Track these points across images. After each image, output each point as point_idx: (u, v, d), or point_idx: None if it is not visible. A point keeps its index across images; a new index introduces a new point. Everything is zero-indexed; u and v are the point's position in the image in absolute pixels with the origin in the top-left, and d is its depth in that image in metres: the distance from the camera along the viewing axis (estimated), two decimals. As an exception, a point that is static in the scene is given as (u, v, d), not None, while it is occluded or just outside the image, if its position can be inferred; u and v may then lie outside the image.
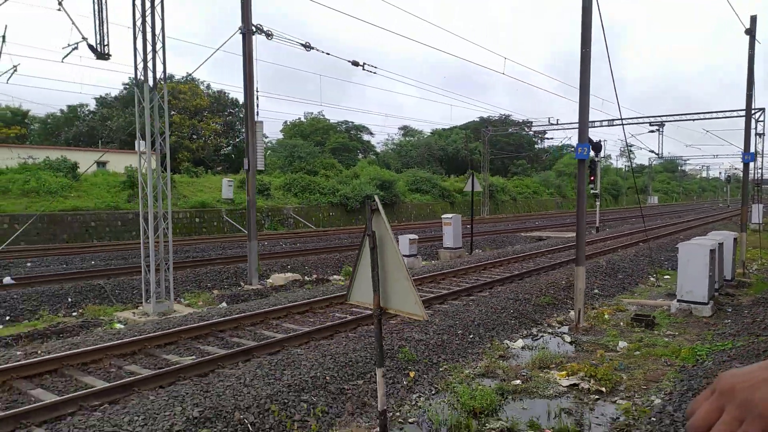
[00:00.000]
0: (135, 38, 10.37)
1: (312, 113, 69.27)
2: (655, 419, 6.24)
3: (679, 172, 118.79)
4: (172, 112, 53.39)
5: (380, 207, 3.53)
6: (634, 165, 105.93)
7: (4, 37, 16.07)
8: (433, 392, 7.40)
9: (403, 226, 34.97)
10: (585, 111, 10.18)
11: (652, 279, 16.26)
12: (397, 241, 16.58)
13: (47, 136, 55.59)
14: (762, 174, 36.69)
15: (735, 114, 29.30)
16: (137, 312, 10.96)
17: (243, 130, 59.28)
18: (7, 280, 13.23)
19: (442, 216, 20.30)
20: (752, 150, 17.39)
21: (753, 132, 25.38)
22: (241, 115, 57.29)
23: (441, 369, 8.16)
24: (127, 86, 52.84)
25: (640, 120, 35.27)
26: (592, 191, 26.05)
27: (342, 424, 6.23)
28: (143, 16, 10.19)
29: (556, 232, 29.70)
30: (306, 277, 15.51)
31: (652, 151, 39.22)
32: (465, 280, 14.17)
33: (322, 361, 7.30)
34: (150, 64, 10.63)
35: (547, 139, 66.78)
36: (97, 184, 30.66)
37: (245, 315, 9.50)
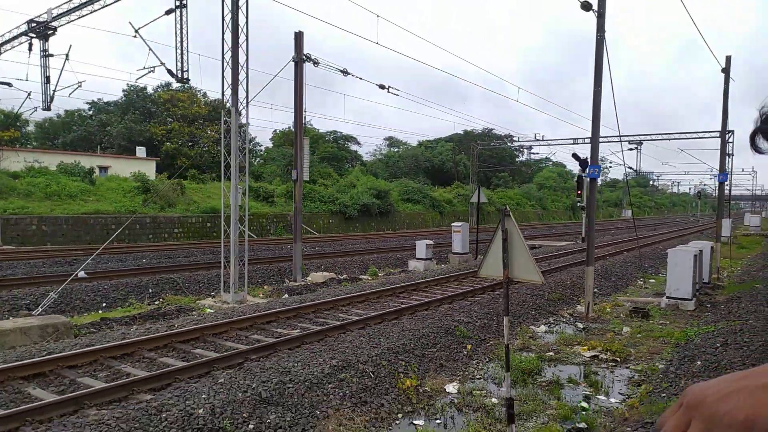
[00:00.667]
0: (223, 69, 12.29)
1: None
2: (662, 375, 8.40)
3: (651, 187, 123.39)
4: (170, 120, 54.76)
5: (510, 213, 5.56)
6: (607, 180, 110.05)
7: (67, 55, 17.80)
8: (486, 360, 9.46)
9: (399, 235, 37.08)
10: (596, 138, 12.42)
11: (639, 282, 18.62)
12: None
13: (43, 140, 56.27)
14: (731, 191, 39.81)
15: (708, 135, 32.16)
16: (217, 300, 12.80)
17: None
18: (81, 274, 14.90)
19: (452, 224, 22.53)
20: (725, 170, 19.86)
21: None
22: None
23: (489, 344, 10.23)
24: (126, 92, 54.02)
25: (622, 139, 38.17)
26: (579, 204, 28.50)
27: (431, 377, 8.25)
28: (232, 49, 12.11)
29: (546, 242, 32.10)
30: (339, 276, 17.45)
31: (630, 167, 42.18)
32: (484, 280, 16.28)
33: (403, 334, 9.32)
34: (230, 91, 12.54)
35: (533, 153, 69.64)
36: (113, 189, 32.05)
37: (318, 302, 11.43)
